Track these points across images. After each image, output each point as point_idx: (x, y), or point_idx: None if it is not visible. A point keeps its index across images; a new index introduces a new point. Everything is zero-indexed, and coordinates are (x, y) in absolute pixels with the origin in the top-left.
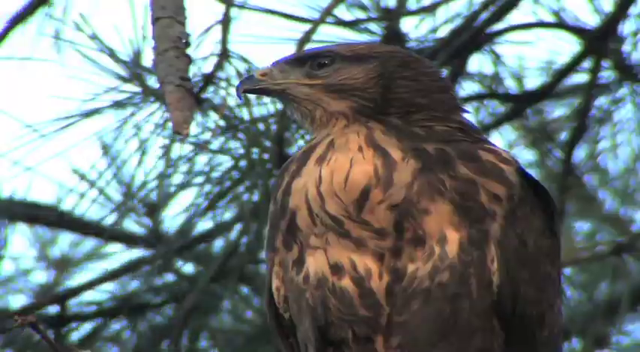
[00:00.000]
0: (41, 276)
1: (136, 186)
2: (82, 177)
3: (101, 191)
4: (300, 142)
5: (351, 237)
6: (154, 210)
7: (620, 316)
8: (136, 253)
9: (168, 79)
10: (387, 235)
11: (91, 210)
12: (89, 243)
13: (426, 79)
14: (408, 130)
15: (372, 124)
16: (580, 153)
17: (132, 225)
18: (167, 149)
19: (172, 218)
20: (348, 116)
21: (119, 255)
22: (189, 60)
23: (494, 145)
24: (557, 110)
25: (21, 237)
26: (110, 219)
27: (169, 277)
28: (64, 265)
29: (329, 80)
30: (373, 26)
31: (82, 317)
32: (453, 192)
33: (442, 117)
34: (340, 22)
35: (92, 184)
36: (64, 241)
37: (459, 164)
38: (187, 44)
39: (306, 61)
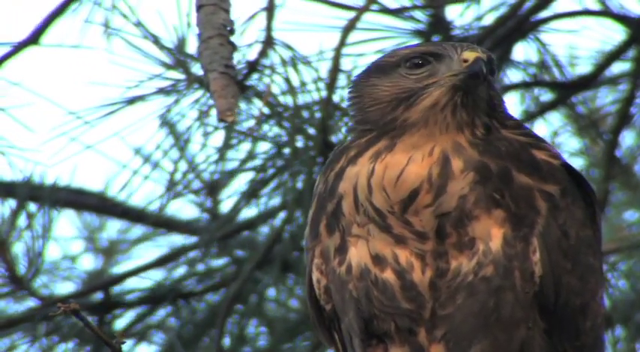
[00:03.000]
0: (89, 263)
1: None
2: (137, 152)
3: (157, 165)
4: (344, 129)
5: (392, 232)
6: (213, 189)
7: None
8: (185, 240)
9: (213, 67)
10: (428, 239)
11: (139, 194)
12: (137, 230)
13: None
14: (493, 146)
15: (466, 134)
16: (627, 141)
17: (189, 207)
18: (227, 135)
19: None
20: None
21: (168, 241)
22: (233, 47)
23: (541, 139)
24: (603, 98)
25: (69, 223)
26: (163, 200)
27: (214, 264)
28: (111, 252)
29: (492, 92)
30: (418, 14)
31: (127, 304)
32: (509, 201)
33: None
34: (385, 10)
35: (147, 159)
36: (112, 228)
37: (518, 176)
38: (231, 31)
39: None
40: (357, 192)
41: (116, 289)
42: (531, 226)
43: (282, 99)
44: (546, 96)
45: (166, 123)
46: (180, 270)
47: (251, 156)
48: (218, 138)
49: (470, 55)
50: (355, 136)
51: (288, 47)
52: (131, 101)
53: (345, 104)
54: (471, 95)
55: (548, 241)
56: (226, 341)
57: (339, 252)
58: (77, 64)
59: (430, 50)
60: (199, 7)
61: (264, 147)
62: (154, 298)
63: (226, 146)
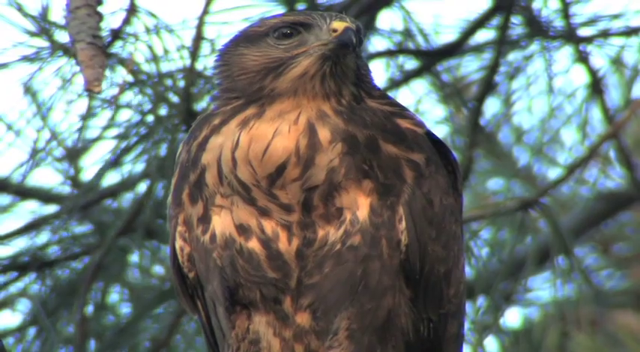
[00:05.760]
0: None
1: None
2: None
3: (18, 133)
4: (208, 97)
5: (256, 205)
6: (72, 156)
7: (527, 272)
8: (50, 209)
9: (80, 37)
10: (293, 211)
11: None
12: (2, 199)
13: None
14: (357, 115)
15: (332, 102)
16: (492, 109)
17: (49, 175)
18: (90, 102)
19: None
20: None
21: (32, 210)
22: (100, 18)
23: (405, 108)
24: (467, 66)
25: None
26: (24, 169)
27: (77, 231)
28: None
29: (359, 61)
30: None
31: None
32: (377, 171)
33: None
34: None
35: (10, 127)
36: None
37: (385, 146)
38: (99, 2)
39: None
40: (220, 165)
41: None
42: (398, 195)
43: (145, 67)
44: (411, 64)
45: (29, 90)
46: (44, 238)
47: (113, 123)
48: (81, 105)
49: (339, 25)
50: (219, 104)
51: (152, 15)
52: None
53: (208, 72)
54: (340, 65)
55: (413, 210)
56: (91, 309)
57: (202, 221)
58: None
59: (299, 20)
60: None
61: (127, 114)
62: (17, 266)
63: (89, 114)
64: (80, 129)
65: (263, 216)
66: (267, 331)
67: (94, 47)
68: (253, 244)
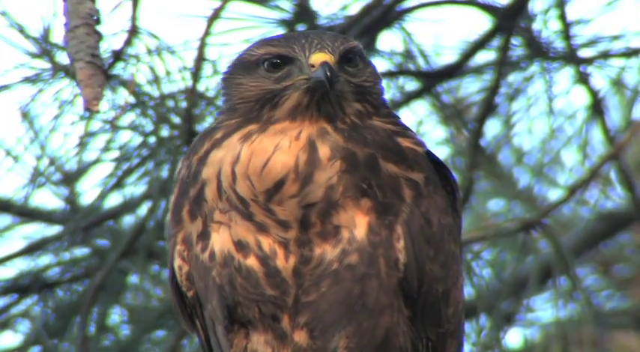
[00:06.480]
0: None
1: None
2: None
3: (16, 159)
4: (210, 119)
5: (254, 220)
6: (71, 179)
7: (528, 293)
8: (51, 230)
9: (79, 56)
10: (291, 228)
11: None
12: (4, 220)
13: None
14: (359, 133)
15: (332, 122)
16: (492, 130)
17: (49, 198)
18: (89, 123)
19: (83, 194)
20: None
21: (34, 232)
22: (99, 37)
23: (406, 127)
24: (468, 87)
25: None
26: (25, 191)
27: (78, 253)
28: None
29: (357, 79)
30: (284, 3)
31: None
32: (376, 190)
33: (387, 113)
34: None
35: (9, 153)
36: None
37: (385, 164)
38: (98, 21)
39: (342, 55)
40: (220, 180)
41: None
42: (396, 214)
43: (147, 88)
44: (412, 85)
45: (26, 115)
46: (46, 260)
47: (115, 145)
48: (82, 127)
49: (316, 59)
50: (223, 119)
51: (154, 36)
52: None
53: (210, 93)
54: (332, 91)
55: (412, 229)
56: (92, 331)
57: (202, 238)
58: None
59: (281, 53)
60: None
61: (129, 136)
62: (18, 288)
63: (89, 135)
64: (80, 151)
65: (260, 232)
66: (265, 350)
67: (92, 66)
68: (251, 261)
